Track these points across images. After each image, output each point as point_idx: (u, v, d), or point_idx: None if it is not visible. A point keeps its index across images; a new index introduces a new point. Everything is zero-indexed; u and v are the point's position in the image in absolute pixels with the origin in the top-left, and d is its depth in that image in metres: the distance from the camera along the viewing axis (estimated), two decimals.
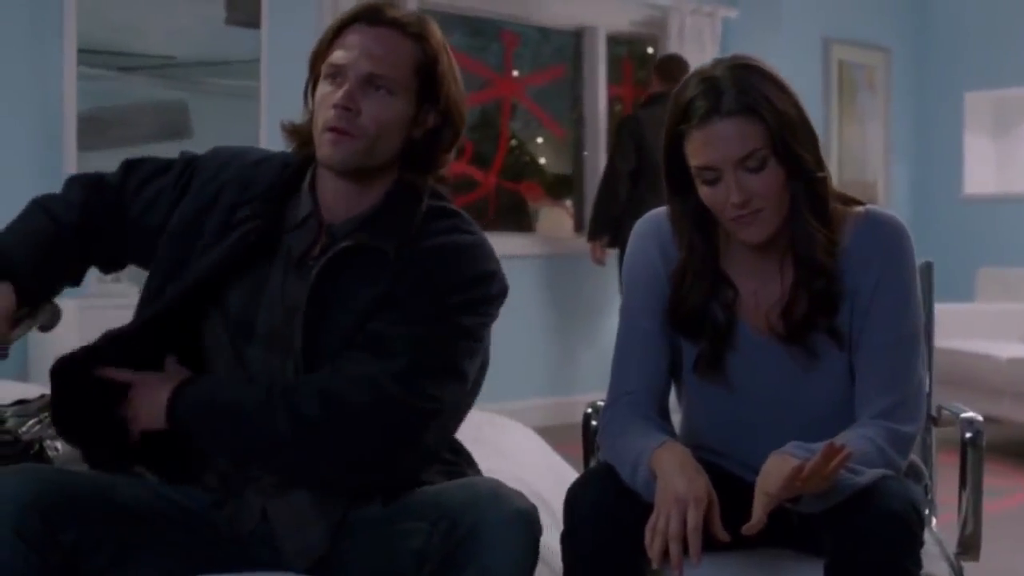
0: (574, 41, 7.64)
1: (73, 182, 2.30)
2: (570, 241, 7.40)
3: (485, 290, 2.16)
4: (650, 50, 7.90)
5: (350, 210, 2.18)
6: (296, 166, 2.23)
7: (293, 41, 5.84)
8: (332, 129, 2.10)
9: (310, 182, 2.21)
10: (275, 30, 5.76)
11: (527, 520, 1.98)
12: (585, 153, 7.63)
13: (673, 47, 7.42)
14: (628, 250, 2.32)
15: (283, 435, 2.04)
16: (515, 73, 7.50)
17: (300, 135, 2.22)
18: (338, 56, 2.12)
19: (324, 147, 2.11)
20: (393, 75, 2.12)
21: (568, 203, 7.75)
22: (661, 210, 2.29)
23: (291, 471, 2.10)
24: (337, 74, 2.11)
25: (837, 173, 8.08)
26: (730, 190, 2.10)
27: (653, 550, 1.99)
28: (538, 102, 7.65)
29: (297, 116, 5.65)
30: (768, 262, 2.22)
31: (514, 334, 7.25)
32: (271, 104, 5.72)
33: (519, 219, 7.56)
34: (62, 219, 2.23)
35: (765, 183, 2.11)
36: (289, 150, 2.26)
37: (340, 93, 2.10)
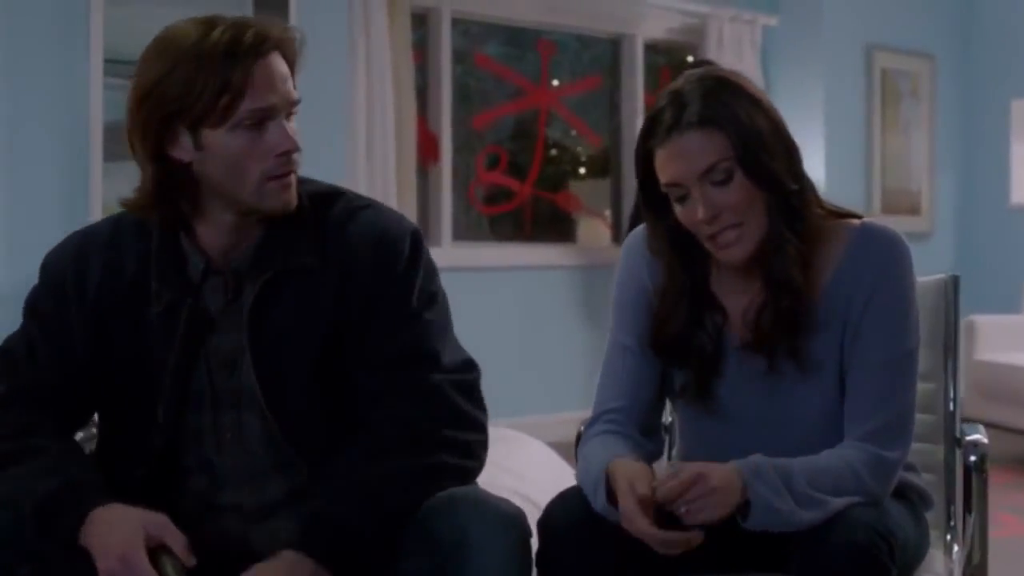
0: (611, 50, 7.56)
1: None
2: (607, 252, 7.31)
3: (419, 255, 2.12)
4: (690, 59, 7.80)
5: (244, 240, 2.09)
6: (162, 231, 2.10)
7: (320, 51, 5.81)
8: (284, 175, 2.01)
9: (185, 233, 2.10)
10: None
11: (512, 524, 1.94)
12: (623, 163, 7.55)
13: (712, 55, 7.31)
14: (618, 266, 2.25)
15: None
16: (555, 82, 7.43)
17: (158, 195, 2.04)
18: (259, 99, 1.96)
19: (272, 197, 2.02)
20: (297, 95, 2.03)
21: (607, 213, 7.67)
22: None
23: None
24: (265, 117, 1.98)
25: (880, 183, 7.96)
26: (696, 206, 2.04)
27: (659, 546, 1.93)
28: (576, 111, 7.57)
29: (322, 124, 5.56)
30: (754, 279, 2.14)
31: (550, 346, 7.20)
32: (301, 107, 5.65)
33: (560, 229, 7.47)
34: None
35: (732, 197, 2.04)
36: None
37: (284, 136, 1.99)
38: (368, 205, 2.15)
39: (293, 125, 2.02)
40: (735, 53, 7.43)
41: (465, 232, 6.98)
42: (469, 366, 2.13)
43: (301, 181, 2.12)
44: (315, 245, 2.07)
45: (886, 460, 2.05)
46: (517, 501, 2.53)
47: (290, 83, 2.01)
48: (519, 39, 7.35)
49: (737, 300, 2.15)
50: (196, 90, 1.93)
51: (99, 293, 2.11)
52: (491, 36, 7.28)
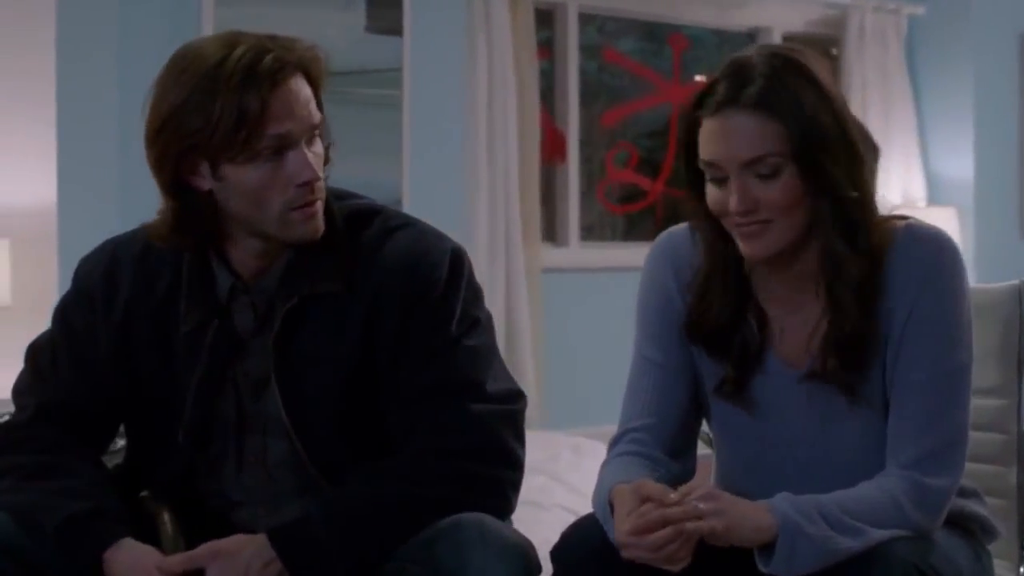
0: (749, 43, 7.34)
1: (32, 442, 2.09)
2: None
3: (460, 278, 2.03)
4: (834, 51, 7.54)
5: (273, 262, 2.03)
6: (194, 254, 2.05)
7: (437, 49, 5.74)
8: (307, 204, 1.94)
9: (215, 252, 2.04)
10: (418, 38, 5.65)
11: (515, 554, 1.87)
12: None
13: (853, 48, 7.07)
14: (642, 273, 2.09)
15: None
16: (697, 78, 7.26)
17: (178, 225, 1.99)
18: (277, 127, 1.90)
19: (297, 227, 1.95)
20: (320, 118, 1.97)
21: None
22: (680, 227, 2.06)
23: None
24: (283, 146, 1.92)
25: None
26: (731, 195, 1.85)
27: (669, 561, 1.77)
28: None
29: (439, 123, 5.53)
30: (799, 289, 1.95)
31: None
32: (414, 113, 5.62)
33: None
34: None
35: (775, 194, 1.85)
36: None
37: (304, 165, 1.92)
38: (405, 225, 2.07)
39: (319, 148, 1.97)
40: (878, 45, 7.15)
41: (599, 232, 6.87)
42: (515, 396, 2.04)
43: (341, 197, 2.08)
44: (344, 270, 2.00)
45: (932, 489, 1.85)
46: (562, 517, 2.42)
47: (312, 105, 1.95)
48: (654, 34, 7.20)
49: (774, 304, 1.97)
50: (213, 123, 1.88)
51: (128, 309, 2.07)
52: (626, 31, 7.14)
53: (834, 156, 1.86)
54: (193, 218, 1.98)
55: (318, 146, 1.98)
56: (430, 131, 5.69)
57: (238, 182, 1.93)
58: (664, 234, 2.07)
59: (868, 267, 1.89)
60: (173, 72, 1.94)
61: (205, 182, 1.95)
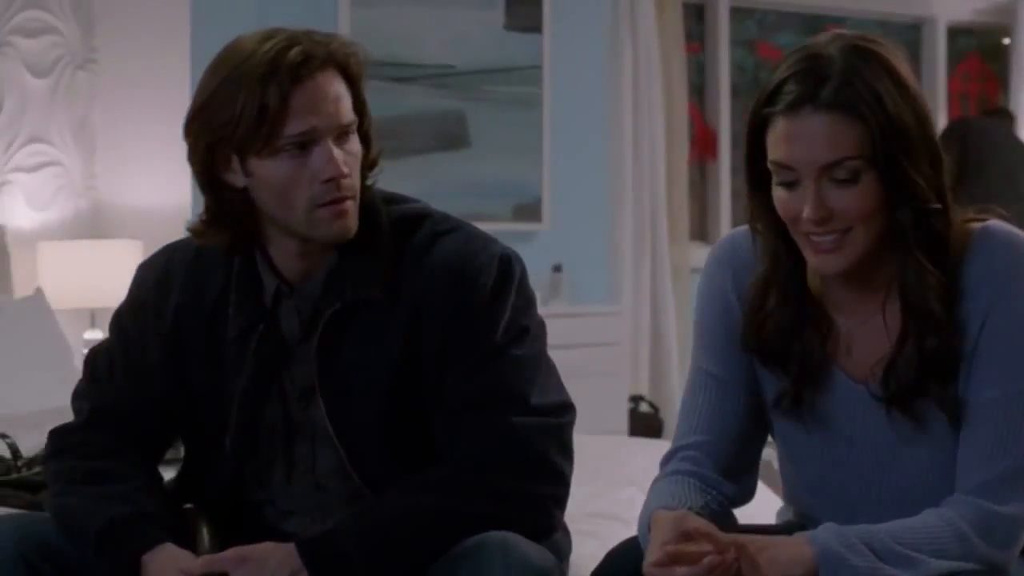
0: (913, 35, 7.10)
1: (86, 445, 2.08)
2: None
3: (508, 284, 1.95)
4: (1006, 41, 7.24)
5: (317, 265, 1.98)
6: (242, 257, 2.01)
7: (577, 45, 5.67)
8: (334, 201, 1.89)
9: (262, 255, 2.00)
10: (558, 34, 5.59)
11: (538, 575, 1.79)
12: None
13: None
14: (700, 279, 1.95)
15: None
16: None
17: (212, 221, 1.96)
18: (299, 123, 1.86)
19: (324, 225, 1.90)
20: (352, 116, 1.90)
21: None
22: (741, 229, 1.92)
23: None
24: (306, 142, 1.87)
25: None
26: (805, 201, 1.71)
27: None
28: None
29: (581, 121, 5.47)
30: (867, 298, 1.81)
31: None
32: (553, 111, 5.55)
33: None
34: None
35: (853, 202, 1.70)
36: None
37: (329, 161, 1.87)
38: (453, 229, 2.01)
39: (353, 147, 1.92)
40: None
41: None
42: (562, 409, 1.96)
43: (391, 201, 2.02)
44: (387, 276, 1.95)
45: (1002, 517, 1.69)
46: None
47: (342, 103, 1.89)
48: (814, 27, 7.00)
49: (840, 315, 1.83)
50: (236, 116, 1.86)
51: (178, 314, 2.05)
52: (785, 24, 6.96)
53: (916, 159, 1.71)
54: (227, 214, 1.95)
55: (353, 144, 1.92)
56: (571, 129, 5.61)
57: (265, 177, 1.90)
58: (725, 236, 1.94)
59: (948, 280, 1.74)
60: (212, 64, 1.93)
61: (238, 178, 1.92)
